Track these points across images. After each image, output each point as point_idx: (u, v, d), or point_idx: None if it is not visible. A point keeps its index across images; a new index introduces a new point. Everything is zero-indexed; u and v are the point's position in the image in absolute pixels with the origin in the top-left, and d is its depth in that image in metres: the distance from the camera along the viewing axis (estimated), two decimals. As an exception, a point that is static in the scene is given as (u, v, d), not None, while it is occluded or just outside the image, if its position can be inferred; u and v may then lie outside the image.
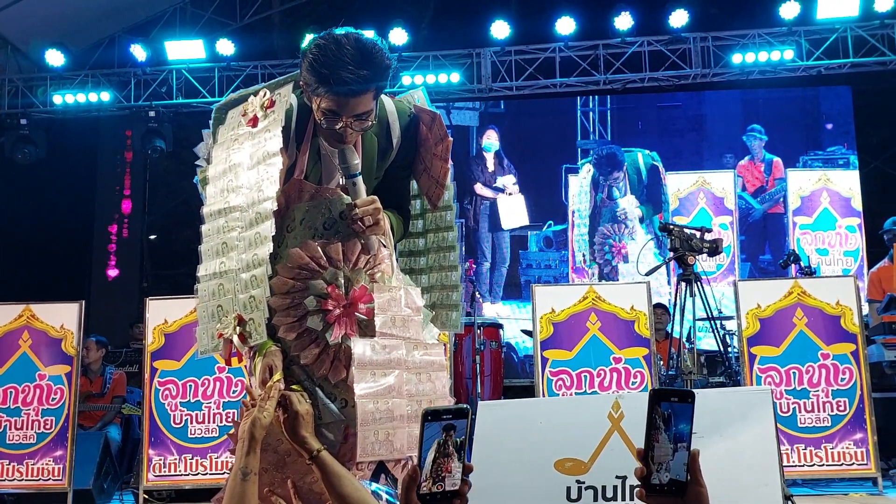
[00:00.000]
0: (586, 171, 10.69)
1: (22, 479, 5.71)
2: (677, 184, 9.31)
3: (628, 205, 10.52)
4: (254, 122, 2.33)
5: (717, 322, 5.71)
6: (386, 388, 2.26)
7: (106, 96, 10.13)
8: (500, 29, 9.46)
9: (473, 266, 10.17)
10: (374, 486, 2.20)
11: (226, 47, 9.81)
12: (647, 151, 10.66)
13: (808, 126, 10.66)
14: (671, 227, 5.59)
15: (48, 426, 5.77)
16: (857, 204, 9.42)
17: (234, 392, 5.81)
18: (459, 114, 11.06)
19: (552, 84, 9.87)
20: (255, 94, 2.38)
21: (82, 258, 11.93)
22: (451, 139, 2.44)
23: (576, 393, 5.59)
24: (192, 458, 5.76)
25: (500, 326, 8.67)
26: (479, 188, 10.88)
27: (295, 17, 11.34)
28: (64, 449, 5.72)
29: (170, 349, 5.88)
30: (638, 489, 1.49)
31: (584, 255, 10.40)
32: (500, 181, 10.88)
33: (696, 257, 5.52)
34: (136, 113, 10.41)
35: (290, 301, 2.30)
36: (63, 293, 9.25)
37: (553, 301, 5.81)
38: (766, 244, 10.34)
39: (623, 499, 2.57)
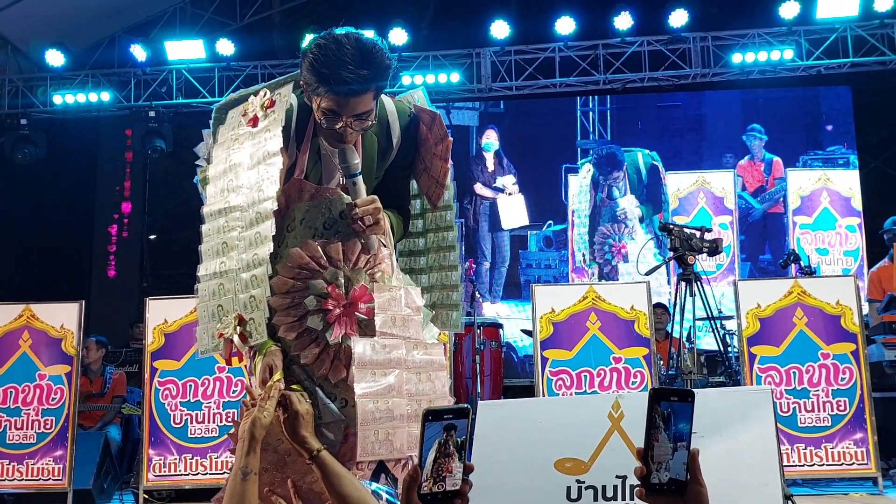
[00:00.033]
0: (586, 170, 10.69)
1: (22, 479, 5.71)
2: (677, 183, 9.32)
3: (628, 204, 10.52)
4: (254, 121, 2.33)
5: (717, 322, 5.71)
6: (386, 388, 2.26)
7: (106, 96, 10.14)
8: (500, 29, 9.46)
9: (473, 266, 10.18)
10: (375, 485, 2.20)
11: (226, 47, 9.82)
12: (646, 151, 10.66)
13: (808, 126, 10.66)
14: (671, 226, 5.59)
15: (48, 426, 5.77)
16: (857, 203, 9.42)
17: (233, 392, 5.81)
18: (459, 114, 11.06)
19: (552, 84, 9.87)
20: (256, 93, 2.38)
21: (82, 258, 11.93)
22: (451, 139, 2.44)
23: (576, 393, 5.59)
24: (192, 458, 5.76)
25: (500, 326, 8.68)
26: (479, 188, 10.89)
27: (295, 17, 11.34)
28: (64, 449, 5.72)
29: (170, 349, 5.88)
30: (638, 488, 1.50)
31: (583, 255, 10.40)
32: (500, 181, 10.88)
33: (696, 257, 5.52)
34: (136, 113, 10.41)
35: (291, 301, 2.31)
36: (63, 293, 9.26)
37: (553, 301, 5.81)
38: (766, 244, 10.34)
39: (623, 498, 2.58)
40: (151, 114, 10.14)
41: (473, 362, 7.28)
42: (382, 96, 2.40)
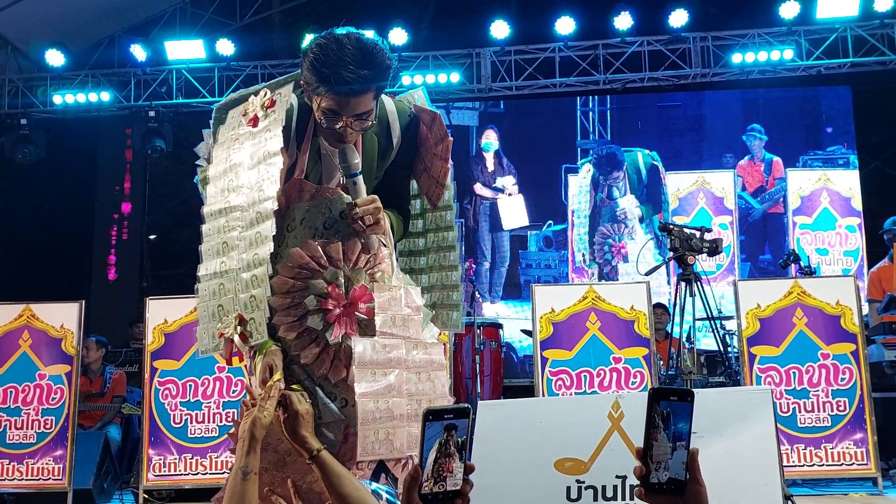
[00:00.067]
0: (586, 170, 10.69)
1: (22, 479, 5.71)
2: (677, 183, 9.32)
3: (628, 204, 10.52)
4: (254, 121, 2.33)
5: (717, 322, 5.71)
6: (386, 388, 2.26)
7: (106, 96, 10.14)
8: (500, 29, 9.46)
9: (473, 266, 10.18)
10: (375, 485, 2.20)
11: (226, 47, 9.81)
12: (646, 151, 10.66)
13: (808, 126, 10.65)
14: (671, 226, 5.59)
15: (48, 426, 5.77)
16: (857, 204, 9.42)
17: (233, 392, 5.81)
18: (459, 114, 11.06)
19: (552, 84, 9.87)
20: (256, 93, 2.38)
21: (82, 258, 11.93)
22: (451, 139, 2.44)
23: (575, 393, 5.59)
24: (191, 458, 5.76)
25: (500, 326, 8.68)
26: (479, 188, 10.89)
27: (295, 17, 11.34)
28: (64, 448, 5.72)
29: (170, 349, 5.88)
30: (637, 488, 1.50)
31: (583, 255, 10.40)
32: (500, 181, 10.88)
33: (696, 257, 5.52)
34: (136, 113, 10.41)
35: (291, 300, 2.31)
36: (63, 293, 9.26)
37: (553, 301, 5.81)
38: (766, 244, 10.34)
39: (623, 498, 2.58)
40: (151, 114, 10.14)
41: (473, 362, 7.29)
42: (383, 96, 2.41)
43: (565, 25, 9.45)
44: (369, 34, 2.27)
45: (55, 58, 9.91)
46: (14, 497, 5.73)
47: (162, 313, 5.94)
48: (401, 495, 1.52)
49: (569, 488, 2.61)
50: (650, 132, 10.87)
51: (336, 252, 2.32)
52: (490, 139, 10.98)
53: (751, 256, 10.19)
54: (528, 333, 7.35)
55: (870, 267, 8.06)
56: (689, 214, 9.01)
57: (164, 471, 5.74)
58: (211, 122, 2.48)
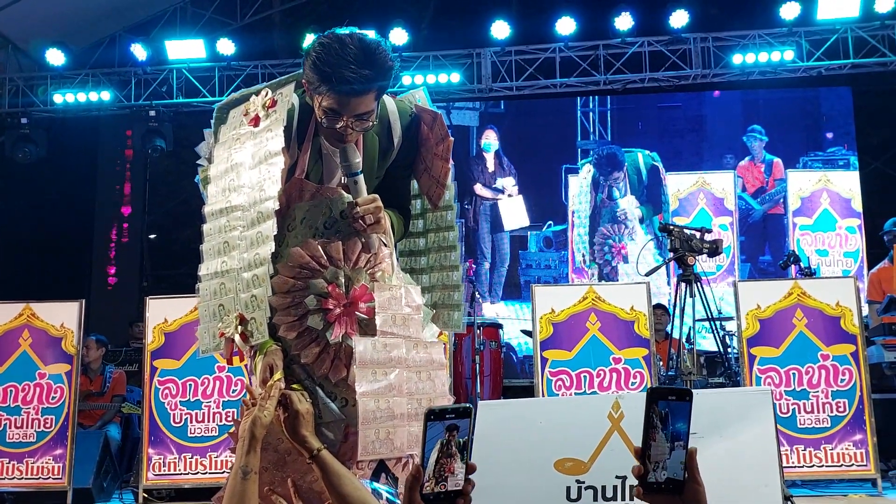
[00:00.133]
0: (586, 171, 10.69)
1: (22, 478, 5.71)
2: (677, 184, 9.32)
3: (628, 205, 10.52)
4: (255, 121, 2.33)
5: (717, 323, 5.71)
6: (387, 387, 2.26)
7: (106, 96, 10.14)
8: (501, 29, 9.46)
9: (473, 266, 10.18)
10: (375, 485, 2.21)
11: (226, 47, 9.81)
12: (647, 152, 10.66)
13: (809, 127, 10.65)
14: (671, 227, 5.59)
15: (48, 425, 5.78)
16: (858, 205, 9.43)
17: (233, 391, 5.82)
18: (459, 114, 11.06)
19: (552, 84, 9.87)
20: (257, 93, 2.38)
21: (82, 257, 11.93)
22: (452, 139, 2.45)
23: (575, 393, 5.59)
24: (191, 458, 5.76)
25: (500, 326, 8.68)
26: (479, 189, 10.89)
27: (295, 17, 11.34)
28: (64, 448, 5.72)
29: (170, 348, 5.88)
30: (635, 487, 1.50)
31: (583, 256, 10.40)
32: (500, 182, 10.88)
33: (696, 258, 5.52)
34: (136, 112, 10.41)
35: (291, 300, 2.31)
36: (63, 292, 9.26)
37: (553, 301, 5.81)
38: (766, 245, 10.34)
39: (623, 499, 2.58)
40: (152, 113, 10.13)
41: (473, 362, 7.29)
42: (384, 96, 2.41)
43: (566, 26, 9.45)
44: (370, 34, 2.28)
45: (56, 57, 9.91)
46: (14, 496, 5.73)
47: (162, 313, 5.95)
48: (402, 495, 1.52)
49: (569, 488, 2.61)
50: (650, 133, 10.87)
51: (336, 251, 2.32)
52: (490, 139, 10.98)
53: (751, 257, 10.19)
54: (528, 334, 7.35)
55: (870, 268, 8.06)
56: (689, 215, 9.01)
57: (164, 470, 5.74)
58: (212, 121, 2.48)
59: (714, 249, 5.58)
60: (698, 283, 5.51)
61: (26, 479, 5.71)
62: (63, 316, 5.94)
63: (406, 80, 9.55)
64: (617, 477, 2.60)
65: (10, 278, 10.48)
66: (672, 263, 5.98)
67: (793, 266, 7.29)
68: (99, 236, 11.95)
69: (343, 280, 2.33)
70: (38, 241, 11.23)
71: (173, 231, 12.17)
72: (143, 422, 5.86)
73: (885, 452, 5.86)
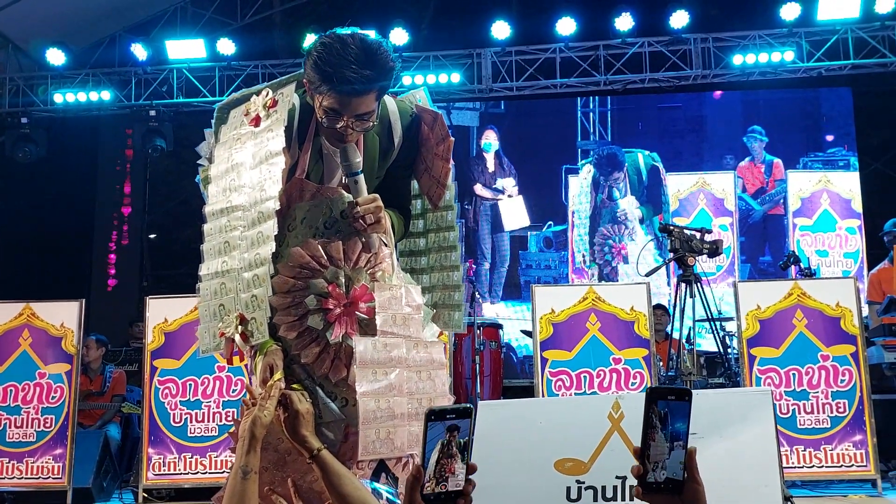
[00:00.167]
0: (586, 171, 10.69)
1: (21, 478, 5.71)
2: (677, 185, 9.32)
3: (628, 205, 10.52)
4: (256, 121, 2.33)
5: (717, 323, 5.71)
6: (387, 387, 2.26)
7: (106, 95, 10.14)
8: (501, 29, 9.46)
9: (473, 266, 10.18)
10: (375, 485, 2.21)
11: (226, 47, 9.81)
12: (647, 152, 10.66)
13: (809, 127, 10.65)
14: (671, 227, 5.60)
15: (48, 424, 5.78)
16: (858, 205, 9.43)
17: (233, 391, 5.82)
18: (459, 114, 11.06)
19: (552, 84, 9.87)
20: (258, 93, 2.38)
21: (82, 257, 11.93)
22: (452, 139, 2.45)
23: (575, 393, 5.59)
24: (191, 457, 5.76)
25: (500, 327, 8.68)
26: (479, 189, 10.89)
27: (295, 17, 11.34)
28: (64, 447, 5.73)
29: (170, 348, 5.88)
30: (635, 487, 1.50)
31: (583, 256, 10.40)
32: (500, 183, 10.88)
33: (696, 258, 5.52)
34: (136, 112, 10.40)
35: (291, 300, 2.31)
36: (63, 292, 9.25)
37: (553, 301, 5.81)
38: (766, 245, 10.34)
39: (623, 499, 2.58)
40: (152, 113, 10.13)
41: (473, 363, 7.29)
42: (385, 96, 2.41)
43: (566, 26, 9.45)
44: (371, 34, 2.28)
45: (56, 57, 9.91)
46: (14, 495, 5.73)
47: (162, 312, 5.95)
48: (402, 495, 1.52)
49: (569, 488, 2.61)
50: (651, 133, 10.87)
51: (337, 251, 2.32)
52: (490, 139, 10.98)
53: (751, 258, 10.19)
54: (528, 334, 7.35)
55: (870, 269, 8.06)
56: (689, 215, 9.02)
57: (164, 470, 5.74)
58: (212, 121, 2.48)
59: (714, 250, 5.59)
60: (698, 284, 5.52)
61: (26, 478, 5.71)
62: (63, 315, 5.94)
63: (406, 80, 9.55)
64: (617, 477, 2.60)
65: (10, 278, 10.48)
66: (672, 264, 5.98)
67: (793, 267, 7.29)
68: (99, 236, 11.95)
69: (343, 280, 2.33)
70: (38, 241, 11.23)
71: (173, 231, 12.17)
72: (143, 421, 5.86)
73: (884, 453, 5.87)
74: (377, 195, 2.34)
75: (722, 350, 5.81)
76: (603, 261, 10.34)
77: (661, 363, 6.36)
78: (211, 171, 2.40)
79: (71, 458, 5.71)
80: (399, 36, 9.45)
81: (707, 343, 7.25)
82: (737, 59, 9.45)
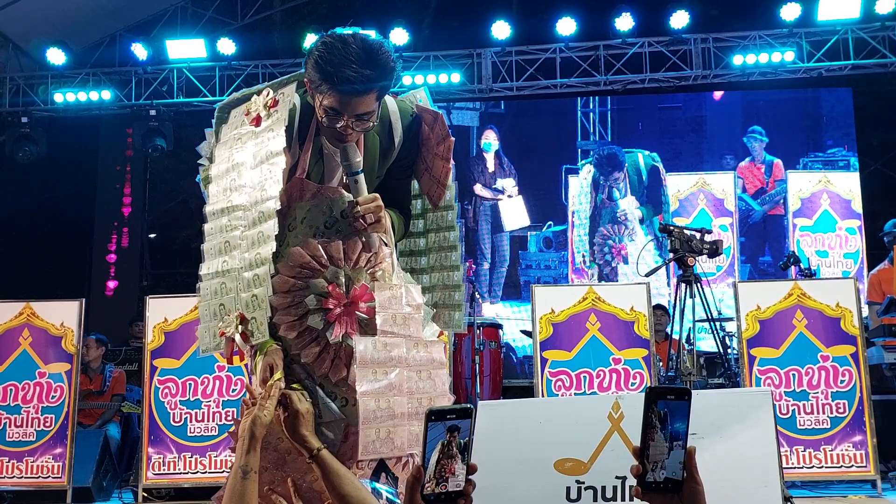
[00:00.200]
0: (587, 171, 10.70)
1: (21, 477, 5.71)
2: (677, 185, 9.33)
3: (628, 206, 10.52)
4: (257, 121, 2.33)
5: (717, 323, 5.71)
6: (387, 386, 2.26)
7: (107, 95, 10.14)
8: (501, 29, 9.46)
9: (473, 266, 10.18)
10: (375, 484, 2.21)
11: (227, 46, 9.82)
12: (647, 152, 10.66)
13: (809, 128, 10.65)
14: (671, 228, 5.60)
15: (48, 424, 5.78)
16: (858, 206, 9.43)
17: (233, 391, 5.81)
18: (460, 114, 11.06)
19: (553, 84, 9.87)
20: (259, 93, 2.38)
21: (82, 256, 11.93)
22: (452, 139, 2.45)
23: (575, 393, 5.59)
24: (191, 457, 5.76)
25: (500, 327, 8.68)
26: (479, 189, 10.89)
27: (296, 17, 11.35)
28: (63, 447, 5.73)
29: (170, 347, 5.88)
30: (634, 487, 1.50)
31: (583, 256, 10.40)
32: (500, 183, 10.88)
33: (696, 258, 5.52)
34: (136, 112, 10.41)
35: (291, 300, 2.31)
36: (63, 291, 9.26)
37: (553, 301, 5.81)
38: (766, 246, 10.34)
39: (623, 499, 2.58)
40: (152, 113, 10.13)
41: (473, 363, 7.29)
42: (385, 96, 2.41)
43: (566, 26, 9.45)
44: (372, 34, 2.28)
45: (56, 56, 9.91)
46: (13, 495, 5.73)
47: (162, 312, 5.94)
48: (402, 495, 1.52)
49: (568, 489, 2.61)
50: (651, 133, 10.87)
51: (337, 251, 2.32)
52: (490, 139, 10.98)
53: (751, 258, 10.19)
54: (528, 334, 7.35)
55: (870, 269, 8.06)
56: (689, 216, 9.02)
57: (164, 469, 5.74)
58: (213, 121, 2.48)
59: (714, 250, 5.59)
60: (698, 284, 5.52)
61: (26, 478, 5.71)
62: (63, 315, 5.94)
63: (406, 80, 9.55)
64: (617, 477, 2.60)
65: (10, 278, 10.49)
66: (672, 264, 5.98)
67: (793, 267, 7.30)
68: (99, 236, 11.94)
69: (343, 280, 2.33)
70: (38, 240, 11.24)
71: (173, 231, 12.17)
72: (143, 421, 5.86)
73: (884, 454, 5.87)
74: (377, 195, 2.34)
75: (722, 350, 5.81)
76: (603, 261, 10.34)
77: (661, 363, 6.36)
78: (211, 171, 2.40)
79: (71, 458, 5.71)
80: (399, 36, 9.45)
81: (707, 343, 7.26)
82: (737, 60, 9.45)
